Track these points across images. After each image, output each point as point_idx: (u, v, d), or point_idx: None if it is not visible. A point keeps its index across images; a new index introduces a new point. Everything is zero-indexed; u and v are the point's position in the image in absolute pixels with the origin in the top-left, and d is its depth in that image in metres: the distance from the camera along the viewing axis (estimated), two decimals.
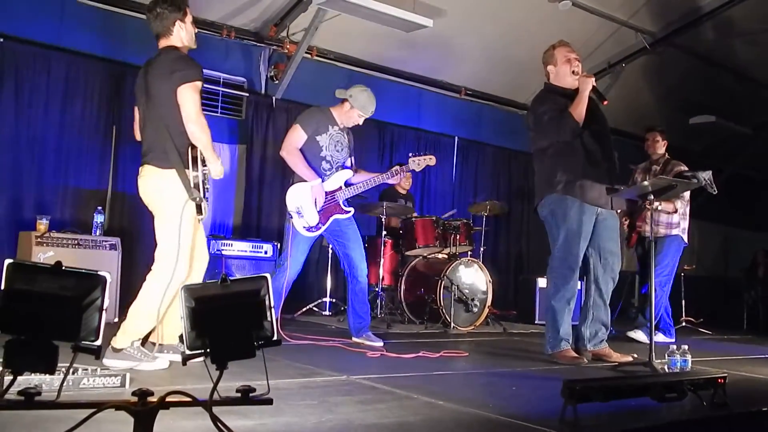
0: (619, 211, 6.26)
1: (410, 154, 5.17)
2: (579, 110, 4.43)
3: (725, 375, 3.15)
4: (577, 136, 4.47)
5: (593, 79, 4.50)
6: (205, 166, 3.60)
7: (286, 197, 4.83)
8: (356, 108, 4.89)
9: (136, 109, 3.76)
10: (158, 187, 3.55)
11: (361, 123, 5.01)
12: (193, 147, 3.52)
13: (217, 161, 3.65)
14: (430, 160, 5.14)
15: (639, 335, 6.19)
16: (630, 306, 9.52)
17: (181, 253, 3.52)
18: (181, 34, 3.67)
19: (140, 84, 3.66)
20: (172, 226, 3.50)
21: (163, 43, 3.67)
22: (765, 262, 11.34)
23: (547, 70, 4.73)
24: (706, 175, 5.48)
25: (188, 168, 3.49)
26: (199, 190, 3.50)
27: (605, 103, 4.62)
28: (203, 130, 3.52)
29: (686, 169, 6.17)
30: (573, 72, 4.60)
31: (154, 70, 3.57)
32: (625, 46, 9.01)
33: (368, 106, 4.91)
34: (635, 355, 4.67)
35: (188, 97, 3.48)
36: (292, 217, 4.77)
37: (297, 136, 4.82)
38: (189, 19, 3.71)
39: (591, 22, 8.30)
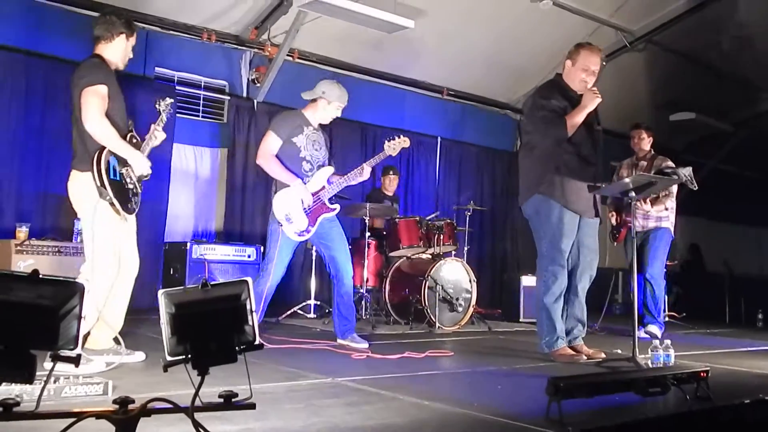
0: (609, 202, 6.24)
1: (385, 140, 5.14)
2: (574, 121, 4.41)
3: (708, 369, 3.17)
4: (566, 140, 4.44)
5: (599, 99, 4.44)
6: (127, 165, 3.67)
7: (273, 207, 4.78)
8: (333, 101, 4.89)
9: None
10: (75, 190, 3.66)
11: (339, 114, 5.00)
12: (103, 147, 3.58)
13: (135, 157, 3.69)
14: (405, 142, 5.11)
15: (654, 329, 6.24)
16: (614, 302, 9.57)
17: (99, 255, 3.59)
18: (119, 47, 3.77)
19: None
20: (87, 229, 3.59)
21: (98, 48, 3.75)
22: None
23: (565, 63, 4.67)
24: (686, 172, 5.54)
25: (95, 167, 3.54)
26: (106, 189, 3.52)
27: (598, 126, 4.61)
28: (102, 131, 3.56)
29: (673, 165, 6.21)
30: (584, 81, 4.55)
31: (72, 78, 3.66)
32: (606, 45, 9.06)
33: (343, 95, 4.93)
34: (611, 351, 4.70)
35: (87, 100, 3.55)
36: (281, 225, 4.72)
37: (271, 143, 4.80)
38: (132, 42, 3.82)
39: (572, 22, 8.34)
